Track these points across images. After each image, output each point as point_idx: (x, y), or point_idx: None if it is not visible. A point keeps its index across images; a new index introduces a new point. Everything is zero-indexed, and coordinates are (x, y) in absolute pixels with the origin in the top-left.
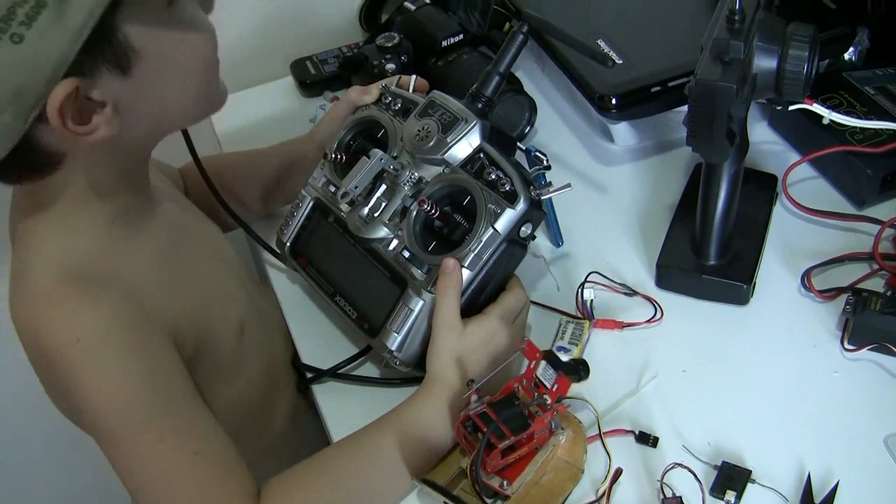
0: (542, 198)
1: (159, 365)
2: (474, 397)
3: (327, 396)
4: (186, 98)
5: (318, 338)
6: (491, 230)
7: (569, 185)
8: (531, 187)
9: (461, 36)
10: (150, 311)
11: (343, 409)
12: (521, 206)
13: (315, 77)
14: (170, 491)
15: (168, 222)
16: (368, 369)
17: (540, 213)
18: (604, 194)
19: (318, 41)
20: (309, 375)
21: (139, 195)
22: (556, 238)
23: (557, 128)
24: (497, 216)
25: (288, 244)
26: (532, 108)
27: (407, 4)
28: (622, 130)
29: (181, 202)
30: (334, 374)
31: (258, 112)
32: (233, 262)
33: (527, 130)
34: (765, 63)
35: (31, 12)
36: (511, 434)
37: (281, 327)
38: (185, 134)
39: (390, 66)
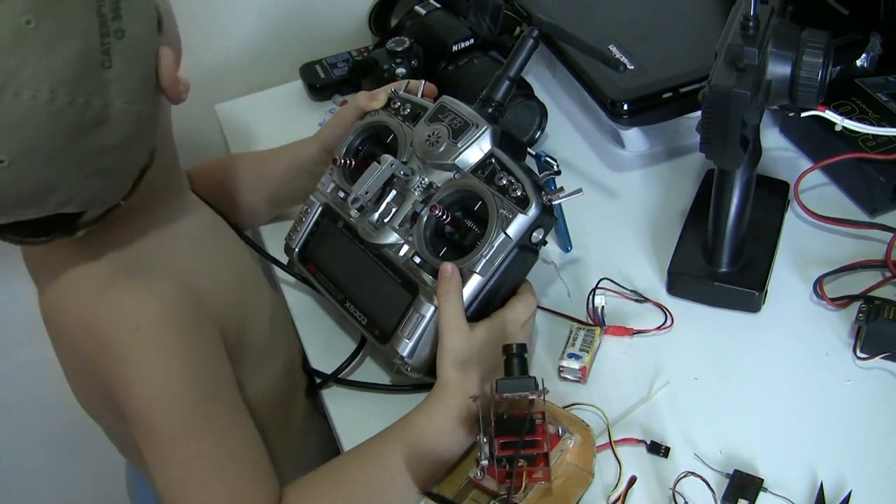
0: (554, 203)
1: (209, 359)
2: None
3: (337, 402)
4: (178, 32)
5: (328, 344)
6: (503, 236)
7: (580, 191)
8: (542, 193)
9: (472, 40)
10: (201, 301)
11: (353, 415)
12: (532, 211)
13: (324, 81)
14: (202, 488)
15: (202, 215)
16: (379, 375)
17: (551, 218)
18: (614, 200)
19: (327, 45)
20: (318, 381)
21: (182, 183)
22: (565, 243)
23: (568, 133)
24: (509, 222)
25: (297, 250)
26: (543, 113)
27: (418, 9)
28: (633, 136)
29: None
30: (336, 377)
31: (267, 115)
32: (252, 256)
33: (537, 136)
34: (779, 69)
35: (113, 5)
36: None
37: (293, 327)
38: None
39: (401, 71)
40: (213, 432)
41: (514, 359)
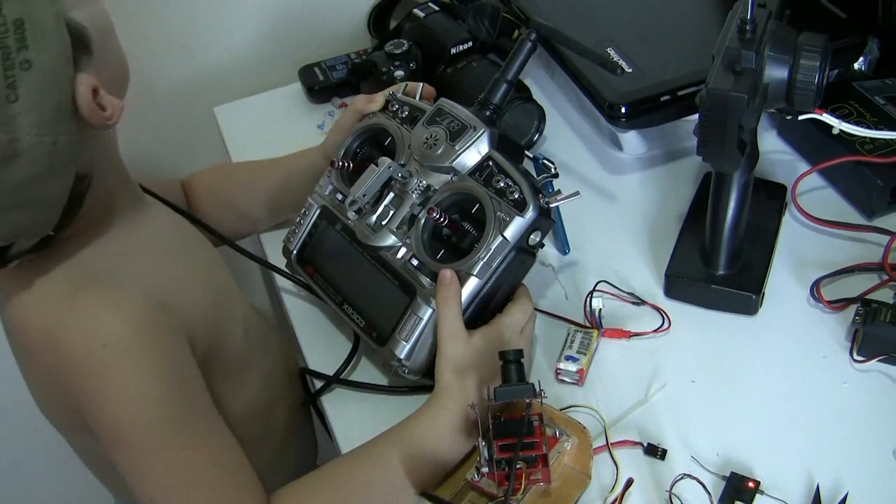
0: (551, 206)
1: (181, 370)
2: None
3: (334, 404)
4: (121, 53)
5: (326, 347)
6: (500, 238)
7: (577, 194)
8: (540, 195)
9: (470, 43)
10: (167, 311)
11: (350, 418)
12: (530, 214)
13: (323, 83)
14: (187, 498)
15: (167, 224)
16: (376, 376)
17: (549, 221)
18: (612, 203)
19: (326, 47)
20: (318, 384)
21: (135, 196)
22: (563, 246)
23: (566, 136)
24: (506, 224)
25: (294, 252)
26: (541, 116)
27: (416, 11)
28: (631, 139)
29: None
30: (338, 379)
31: (266, 118)
32: (225, 264)
33: (535, 138)
34: (776, 73)
35: (18, 35)
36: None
37: (275, 333)
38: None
39: (399, 73)
40: (192, 442)
41: (511, 365)
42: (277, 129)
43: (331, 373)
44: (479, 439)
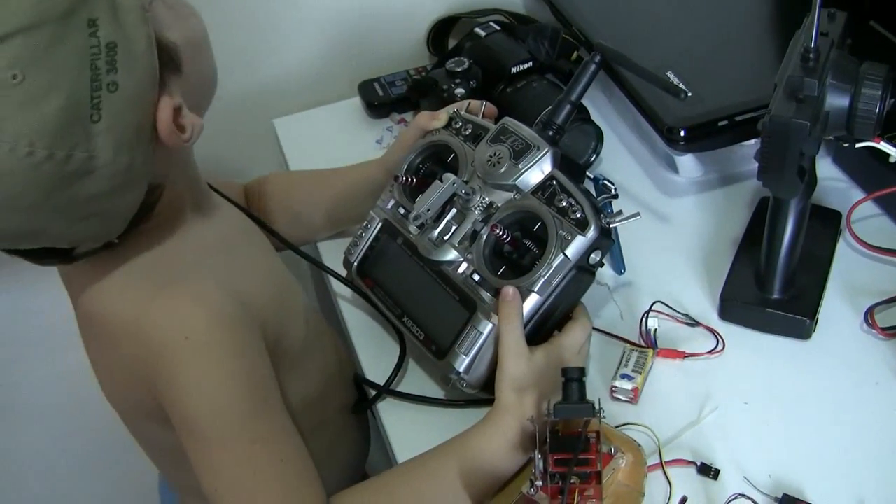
0: (612, 226)
1: (258, 364)
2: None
3: (390, 414)
4: (211, 69)
5: (380, 355)
6: (561, 256)
7: (638, 214)
8: (601, 215)
9: (530, 63)
10: (243, 304)
11: (406, 428)
12: (591, 233)
13: (382, 99)
14: (253, 494)
15: (233, 223)
16: (427, 385)
17: (609, 241)
18: (667, 225)
19: (385, 63)
20: (371, 393)
21: (205, 196)
22: (619, 266)
23: (622, 157)
24: (568, 243)
25: (355, 264)
26: (599, 136)
27: (477, 30)
28: (687, 162)
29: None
30: (388, 389)
31: (325, 131)
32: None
33: (592, 159)
34: (837, 101)
35: (109, 58)
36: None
37: (329, 329)
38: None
39: (459, 91)
40: (263, 437)
41: (573, 383)
42: (336, 142)
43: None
44: (536, 452)
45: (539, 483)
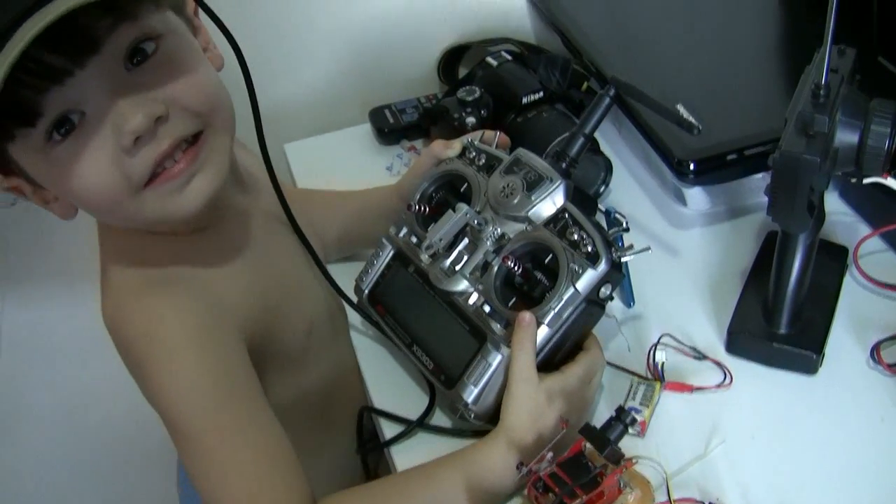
0: (623, 260)
1: (227, 365)
2: (549, 455)
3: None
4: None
5: (392, 385)
6: (572, 289)
7: (648, 249)
8: (612, 249)
9: (541, 93)
10: (223, 309)
11: (411, 453)
12: (602, 266)
13: (393, 125)
14: (227, 483)
15: (255, 222)
16: (438, 418)
17: (619, 274)
18: (675, 257)
19: (395, 90)
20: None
21: (213, 215)
22: (628, 299)
23: (630, 188)
24: (578, 276)
25: (366, 291)
26: (608, 168)
27: (489, 60)
28: (695, 195)
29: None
30: (422, 424)
31: (335, 156)
32: (305, 262)
33: (602, 190)
34: (847, 137)
35: None
36: (583, 493)
37: (345, 338)
38: (270, 172)
39: (470, 120)
40: (231, 429)
41: (619, 425)
42: (346, 168)
43: (394, 410)
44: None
45: (525, 469)
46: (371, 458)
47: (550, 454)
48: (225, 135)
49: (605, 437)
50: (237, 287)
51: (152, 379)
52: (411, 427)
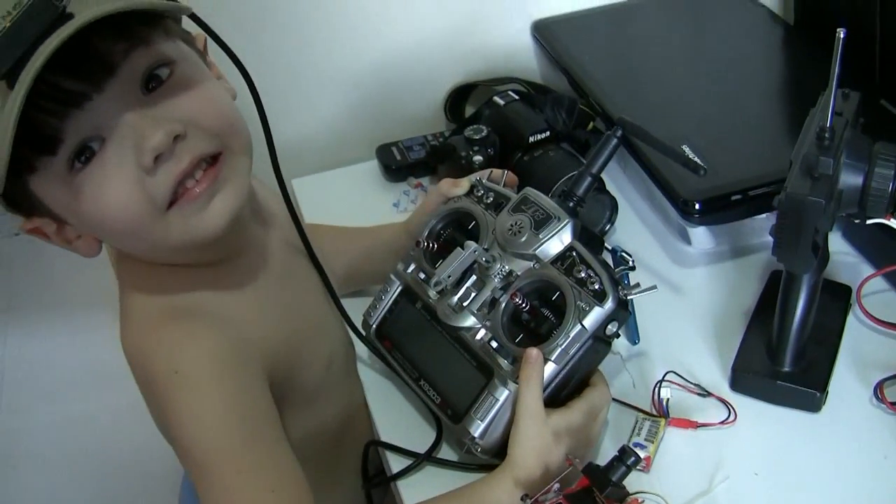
0: (629, 298)
1: (249, 399)
2: (556, 486)
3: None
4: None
5: (399, 420)
6: (579, 326)
7: (655, 287)
8: (619, 287)
9: (548, 133)
10: (247, 344)
11: (418, 488)
12: (609, 304)
13: (400, 162)
14: None
15: (273, 255)
16: (445, 453)
17: (626, 312)
18: (679, 295)
19: (402, 127)
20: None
21: (234, 244)
22: (634, 336)
23: (635, 227)
24: (585, 313)
25: (374, 326)
26: (613, 206)
27: (496, 99)
28: (700, 234)
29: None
30: (430, 457)
31: (342, 192)
32: (324, 299)
33: (607, 228)
34: (851, 179)
35: None
36: None
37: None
38: (287, 201)
39: (478, 158)
40: (254, 468)
41: (621, 465)
42: (353, 204)
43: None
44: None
45: (530, 501)
46: (376, 495)
47: (557, 485)
48: (243, 156)
49: (607, 478)
50: (259, 320)
51: (175, 413)
52: (419, 460)
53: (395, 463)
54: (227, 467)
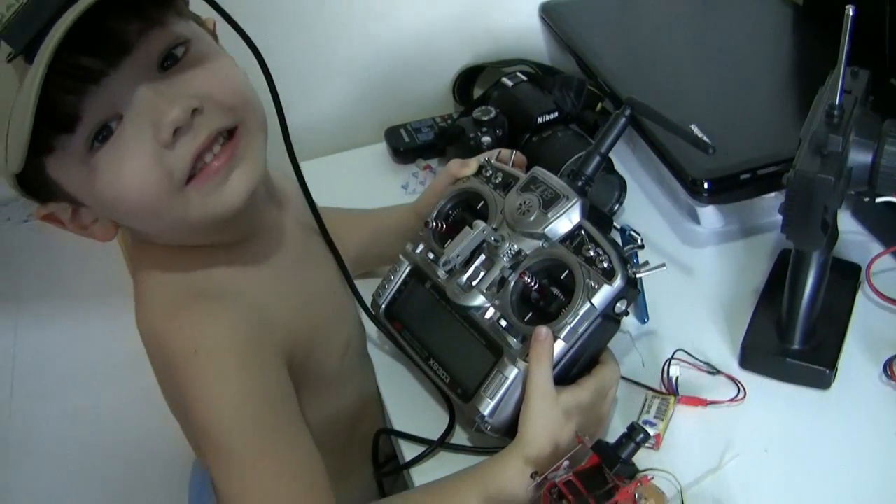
0: (638, 276)
1: (269, 383)
2: (565, 463)
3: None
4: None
5: (411, 407)
6: (588, 305)
7: (664, 265)
8: (628, 265)
9: (556, 114)
10: (266, 326)
11: (431, 475)
12: (618, 283)
13: (408, 145)
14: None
15: (290, 237)
16: (457, 437)
17: (635, 290)
18: (689, 275)
19: (411, 109)
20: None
21: (250, 224)
22: (643, 315)
23: (644, 207)
24: (594, 292)
25: (383, 307)
26: (622, 186)
27: (504, 80)
28: (709, 213)
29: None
30: (443, 442)
31: (351, 175)
32: (340, 286)
33: (616, 208)
34: (860, 157)
35: None
36: None
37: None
38: (302, 182)
39: (486, 140)
40: (273, 453)
41: (631, 443)
42: (362, 187)
43: (411, 427)
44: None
45: (540, 478)
46: (387, 482)
47: (567, 463)
48: (259, 132)
49: (617, 455)
50: (277, 301)
51: (195, 393)
52: (433, 447)
53: (408, 450)
54: (246, 449)
